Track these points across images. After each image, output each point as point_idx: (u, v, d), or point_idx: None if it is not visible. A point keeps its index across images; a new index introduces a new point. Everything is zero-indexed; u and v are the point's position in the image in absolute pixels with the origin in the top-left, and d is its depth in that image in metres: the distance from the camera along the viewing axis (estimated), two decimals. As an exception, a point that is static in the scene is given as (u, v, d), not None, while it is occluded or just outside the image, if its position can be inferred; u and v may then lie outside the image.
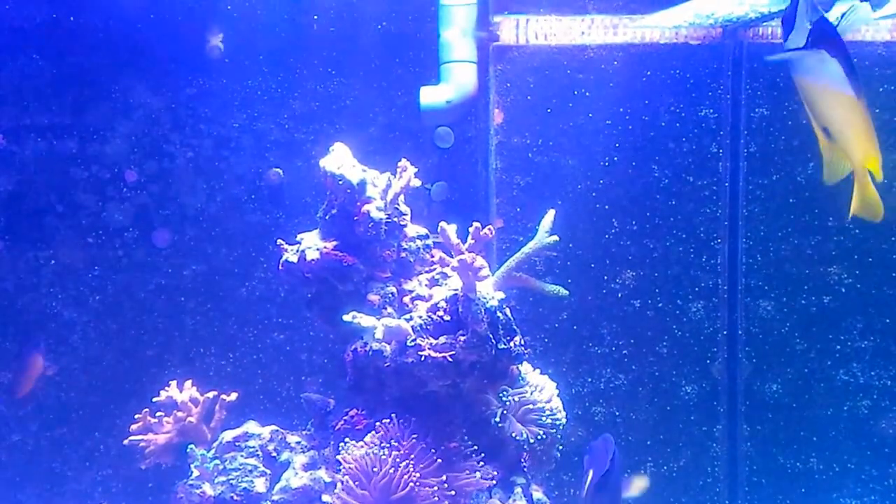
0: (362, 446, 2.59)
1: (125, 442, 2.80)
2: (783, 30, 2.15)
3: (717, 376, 3.59)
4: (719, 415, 3.60)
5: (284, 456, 2.80)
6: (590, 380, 3.58)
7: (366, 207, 2.75)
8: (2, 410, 3.64)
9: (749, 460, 3.58)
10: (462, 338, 2.60)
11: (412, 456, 2.57)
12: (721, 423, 3.60)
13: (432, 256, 2.83)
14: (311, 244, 2.81)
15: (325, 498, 2.75)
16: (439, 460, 2.59)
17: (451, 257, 2.70)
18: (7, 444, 3.64)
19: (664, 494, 3.61)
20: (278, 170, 3.72)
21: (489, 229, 2.58)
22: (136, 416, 2.80)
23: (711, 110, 3.59)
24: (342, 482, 2.57)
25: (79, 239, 3.66)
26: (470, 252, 2.55)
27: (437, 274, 2.86)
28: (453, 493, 2.56)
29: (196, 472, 2.70)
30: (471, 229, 2.62)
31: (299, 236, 2.85)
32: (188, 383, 2.87)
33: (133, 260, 3.69)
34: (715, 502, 3.62)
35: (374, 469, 2.52)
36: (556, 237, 2.78)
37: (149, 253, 3.70)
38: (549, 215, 2.81)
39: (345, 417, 2.79)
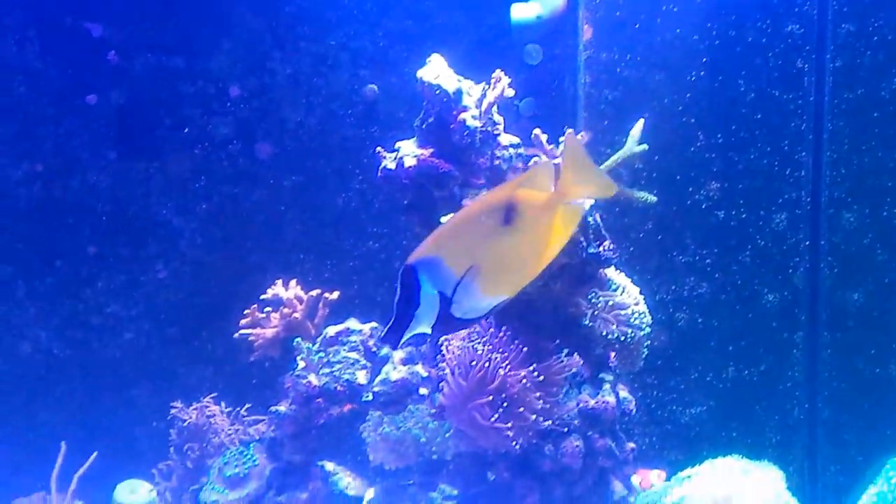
0: (460, 342, 2.64)
1: (236, 335, 2.90)
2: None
3: (798, 285, 3.55)
4: (800, 323, 3.56)
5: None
6: (673, 287, 3.57)
7: (462, 116, 2.76)
8: (116, 310, 3.78)
9: (829, 366, 3.55)
10: (555, 240, 2.62)
11: (505, 351, 2.61)
12: (802, 331, 3.56)
13: (529, 158, 2.84)
14: (409, 151, 2.83)
15: (421, 390, 2.83)
16: (531, 355, 2.64)
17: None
18: (121, 342, 3.78)
19: (745, 399, 3.60)
20: (373, 86, 3.75)
21: (582, 135, 2.57)
22: (246, 312, 2.90)
23: (798, 26, 3.48)
24: (443, 373, 2.63)
25: (186, 151, 3.75)
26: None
27: (529, 182, 2.86)
28: (543, 379, 2.59)
29: (302, 364, 2.78)
30: (564, 136, 2.61)
31: (397, 144, 2.87)
32: (293, 282, 2.95)
33: (237, 171, 3.77)
34: (795, 406, 3.60)
35: (472, 362, 2.57)
36: (645, 145, 2.77)
37: (251, 164, 3.77)
38: (639, 124, 2.79)
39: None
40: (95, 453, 3.30)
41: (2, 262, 3.70)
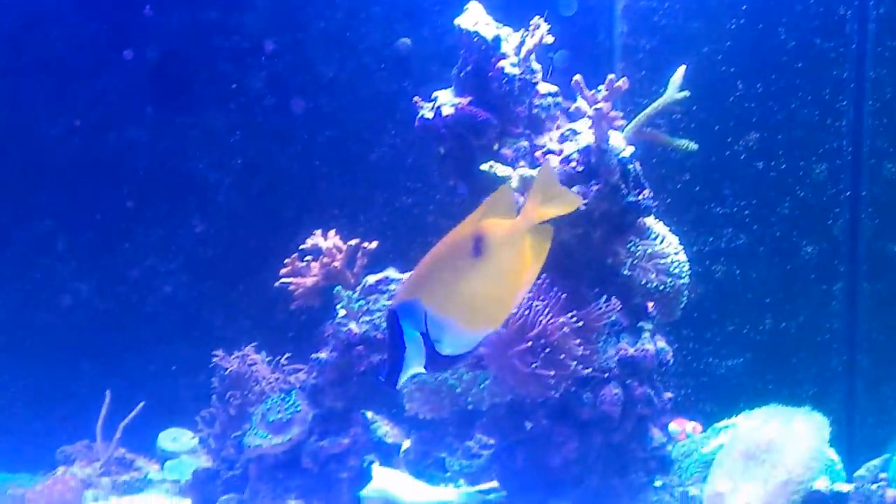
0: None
1: (276, 284, 2.92)
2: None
3: (838, 237, 3.52)
4: (839, 274, 3.54)
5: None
6: (711, 239, 3.55)
7: (500, 63, 2.74)
8: (155, 264, 3.81)
9: (868, 318, 3.53)
10: (595, 187, 2.60)
11: (544, 298, 2.60)
12: (841, 282, 3.54)
13: (566, 110, 2.81)
14: (447, 100, 2.81)
15: (460, 339, 2.82)
16: (570, 302, 2.62)
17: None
18: (160, 295, 3.82)
19: (782, 351, 3.59)
20: (406, 40, 3.72)
21: (624, 80, 2.54)
22: (286, 261, 2.91)
23: (840, -28, 3.44)
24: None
25: (221, 105, 3.76)
26: (605, 102, 2.52)
27: (567, 131, 2.84)
28: (582, 324, 2.59)
29: (342, 312, 2.79)
30: (605, 83, 2.59)
31: (435, 93, 2.85)
32: (332, 232, 2.96)
33: (271, 126, 3.78)
34: (833, 358, 3.58)
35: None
36: (686, 92, 2.73)
37: (285, 119, 3.77)
38: (680, 71, 2.75)
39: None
40: (142, 403, 3.35)
41: (42, 216, 3.75)
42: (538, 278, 2.59)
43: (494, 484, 3.24)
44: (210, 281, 3.84)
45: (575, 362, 2.58)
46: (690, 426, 3.27)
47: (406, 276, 2.91)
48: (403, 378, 1.67)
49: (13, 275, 3.76)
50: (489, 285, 1.67)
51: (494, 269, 1.67)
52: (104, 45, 3.70)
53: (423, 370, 1.68)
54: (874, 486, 2.39)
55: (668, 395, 2.94)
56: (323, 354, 2.84)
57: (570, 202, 1.75)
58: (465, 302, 1.66)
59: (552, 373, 2.58)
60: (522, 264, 1.70)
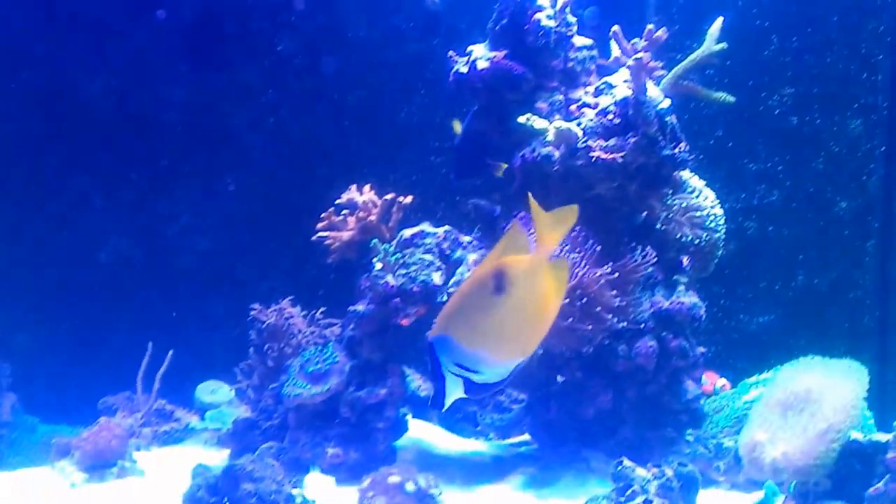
0: (535, 242, 2.63)
1: (313, 238, 2.94)
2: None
3: (872, 192, 3.50)
4: (873, 230, 3.52)
5: (458, 254, 2.90)
6: (743, 195, 3.54)
7: (536, 16, 2.73)
8: (190, 221, 3.85)
9: (902, 272, 3.53)
10: (632, 139, 2.60)
11: (580, 251, 2.60)
12: (875, 238, 3.52)
13: (605, 60, 2.81)
14: (481, 55, 2.82)
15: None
16: (605, 255, 2.63)
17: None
18: (197, 251, 3.86)
19: (814, 307, 3.59)
20: (436, -2, 3.72)
21: (663, 31, 2.52)
22: (322, 216, 2.93)
23: (876, -77, 3.39)
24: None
25: (254, 64, 3.77)
26: (644, 52, 2.51)
27: (603, 84, 2.83)
28: (618, 276, 2.59)
29: (379, 265, 2.81)
30: (643, 36, 2.58)
31: (469, 48, 2.85)
32: (367, 187, 2.97)
33: (303, 85, 3.79)
34: (865, 314, 3.57)
35: (548, 262, 2.56)
36: (724, 44, 2.71)
37: (317, 79, 3.78)
38: (718, 22, 2.73)
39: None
40: (171, 351, 3.39)
41: (80, 172, 3.78)
42: (573, 231, 2.61)
43: (525, 437, 3.28)
44: (243, 237, 3.87)
45: (611, 315, 2.60)
46: (721, 382, 3.27)
47: (441, 230, 2.93)
48: (447, 404, 1.77)
49: (53, 230, 3.80)
50: (514, 318, 1.73)
51: (518, 303, 1.73)
52: (138, 4, 3.72)
53: (464, 395, 1.77)
54: (913, 435, 2.37)
55: (701, 349, 2.95)
56: (360, 307, 2.86)
57: (571, 213, 1.77)
58: (493, 335, 1.72)
59: (589, 326, 2.59)
60: (544, 295, 1.76)
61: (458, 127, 2.99)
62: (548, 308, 1.78)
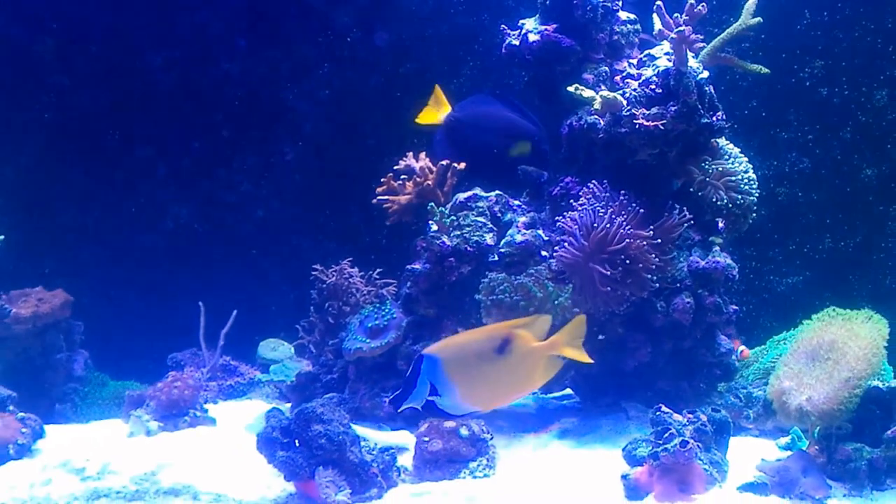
0: (582, 205, 2.76)
1: (374, 201, 3.06)
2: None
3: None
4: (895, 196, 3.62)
5: (508, 216, 3.02)
6: (775, 163, 3.64)
7: (584, -10, 2.84)
8: (248, 189, 3.99)
9: (923, 237, 3.63)
10: (673, 108, 2.71)
11: (623, 213, 2.71)
12: (898, 204, 3.63)
13: (647, 35, 2.91)
14: (532, 28, 2.94)
15: (543, 252, 2.97)
16: (646, 218, 2.74)
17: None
18: (255, 218, 4.00)
19: (840, 269, 3.69)
20: (484, -26, 3.82)
21: (703, 5, 2.63)
22: (382, 180, 3.06)
23: None
24: (565, 236, 2.75)
25: (310, 39, 3.89)
26: (686, 25, 2.62)
27: (645, 56, 2.93)
28: (660, 241, 2.71)
29: (435, 227, 2.94)
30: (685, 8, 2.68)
31: (521, 21, 2.97)
32: (422, 154, 3.09)
33: (356, 58, 3.91)
34: (888, 276, 3.67)
35: (594, 224, 2.69)
36: (759, 18, 2.80)
37: (370, 52, 3.90)
38: (754, -1, 2.82)
39: (560, 185, 2.98)
40: (235, 312, 3.52)
41: (144, 143, 3.92)
42: (617, 195, 2.73)
43: (568, 391, 3.40)
44: (298, 206, 4.00)
45: (651, 274, 2.71)
46: (740, 347, 3.33)
47: (492, 194, 3.06)
48: (403, 408, 2.07)
49: (120, 198, 3.96)
50: (498, 379, 2.05)
51: (507, 369, 2.05)
52: None
53: (419, 408, 2.07)
54: (931, 382, 2.47)
55: (734, 306, 3.05)
56: (417, 266, 2.99)
57: (583, 357, 2.12)
58: (472, 382, 2.04)
59: (630, 282, 2.71)
60: (529, 377, 2.08)
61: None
62: (523, 388, 2.17)
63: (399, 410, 2.10)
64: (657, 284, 2.75)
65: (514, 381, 2.11)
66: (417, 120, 3.07)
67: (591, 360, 2.19)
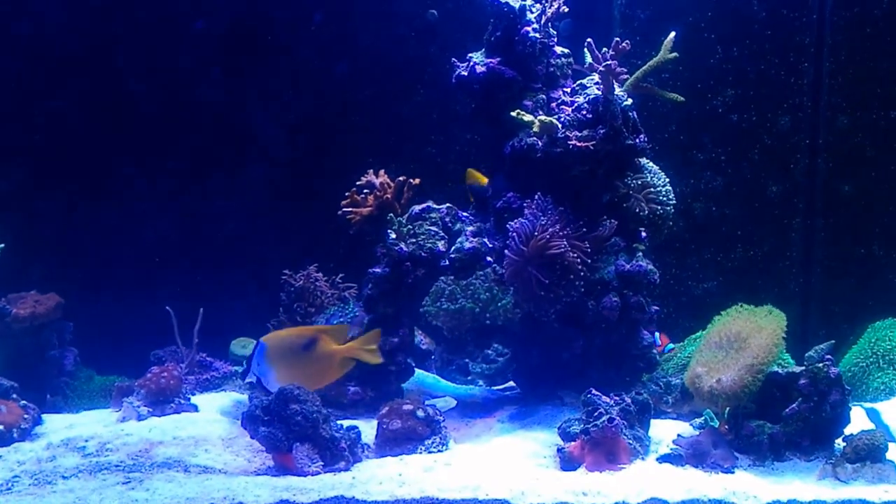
0: (523, 217, 2.98)
1: (339, 213, 3.24)
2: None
3: (798, 179, 3.84)
4: (799, 210, 3.86)
5: (458, 226, 3.23)
6: (692, 181, 3.86)
7: (526, 28, 3.08)
8: (222, 203, 4.09)
9: (823, 247, 3.86)
10: (601, 131, 2.96)
11: (559, 224, 2.94)
12: (800, 217, 3.86)
13: (582, 66, 3.15)
14: (479, 60, 3.16)
15: (488, 258, 3.18)
16: (581, 229, 2.98)
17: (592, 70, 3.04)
18: (226, 230, 4.09)
19: (749, 275, 3.92)
20: (433, 11, 4.00)
21: (627, 43, 2.90)
22: (346, 194, 3.24)
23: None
24: (510, 242, 2.97)
25: (277, 70, 4.03)
26: (613, 59, 2.88)
27: (577, 86, 3.19)
28: (590, 249, 2.95)
29: (393, 235, 3.14)
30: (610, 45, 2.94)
31: (469, 55, 3.19)
32: (381, 171, 3.29)
33: (318, 87, 4.06)
34: (791, 281, 3.91)
35: (535, 233, 2.91)
36: (676, 53, 3.07)
37: (329, 81, 4.05)
38: (671, 35, 3.08)
39: (503, 199, 3.19)
40: (202, 310, 3.59)
41: (128, 162, 4.01)
42: (556, 209, 2.96)
43: (510, 384, 3.60)
44: (267, 218, 4.11)
45: (579, 282, 2.93)
46: (670, 344, 3.50)
47: (444, 206, 3.28)
48: (247, 380, 2.97)
49: (105, 210, 4.04)
50: (302, 367, 2.76)
51: (309, 362, 2.78)
52: (182, 16, 3.96)
53: (253, 381, 2.88)
54: (821, 365, 2.65)
55: (655, 307, 3.28)
56: (377, 269, 3.18)
57: (373, 360, 2.90)
58: (285, 367, 2.77)
59: (563, 284, 2.92)
60: (326, 370, 2.81)
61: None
62: (322, 379, 2.82)
63: (245, 382, 2.99)
64: (583, 289, 2.96)
65: (315, 373, 2.78)
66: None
67: (380, 361, 2.89)
